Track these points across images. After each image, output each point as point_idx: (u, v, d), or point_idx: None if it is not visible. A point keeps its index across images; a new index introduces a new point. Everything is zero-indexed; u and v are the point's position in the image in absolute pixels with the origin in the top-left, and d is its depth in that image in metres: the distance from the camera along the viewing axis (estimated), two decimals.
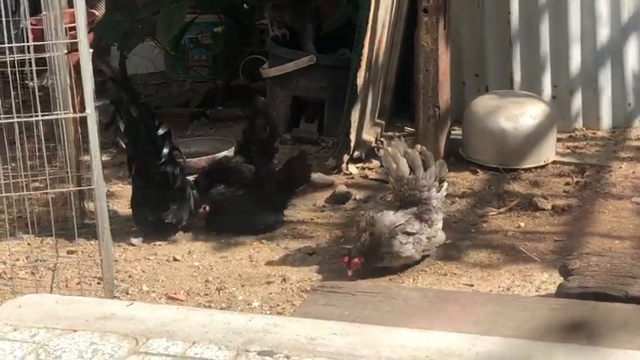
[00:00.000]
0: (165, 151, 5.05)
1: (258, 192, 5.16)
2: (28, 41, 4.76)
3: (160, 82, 8.25)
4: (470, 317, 3.82)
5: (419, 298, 4.02)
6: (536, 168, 5.86)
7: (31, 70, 4.99)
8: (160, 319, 3.22)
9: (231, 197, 5.16)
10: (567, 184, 5.68)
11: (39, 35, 5.00)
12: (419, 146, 4.84)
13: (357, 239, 4.59)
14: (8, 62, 4.58)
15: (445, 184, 4.77)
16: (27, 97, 5.00)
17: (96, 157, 4.15)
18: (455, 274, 4.62)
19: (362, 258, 4.50)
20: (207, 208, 5.14)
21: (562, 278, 4.28)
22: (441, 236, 4.71)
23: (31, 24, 5.17)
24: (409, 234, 4.57)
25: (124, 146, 5.05)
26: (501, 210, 5.33)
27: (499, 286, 4.46)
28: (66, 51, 4.74)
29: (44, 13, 4.96)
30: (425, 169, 4.66)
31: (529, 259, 4.72)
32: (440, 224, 4.70)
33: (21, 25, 5.67)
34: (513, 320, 3.77)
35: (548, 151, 5.93)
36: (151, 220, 5.08)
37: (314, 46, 6.76)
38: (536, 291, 4.39)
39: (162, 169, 5.05)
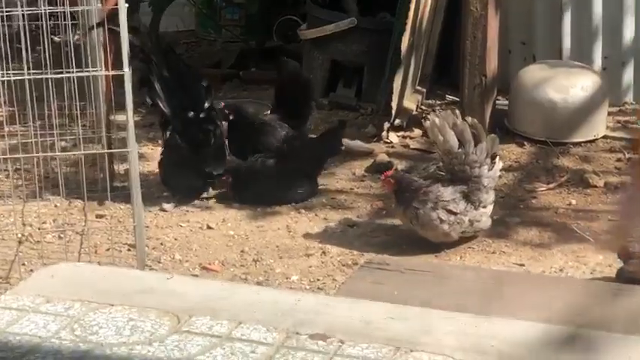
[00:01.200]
0: (207, 104, 4.80)
1: (290, 161, 4.92)
2: None
3: (190, 40, 7.97)
4: (527, 301, 3.59)
5: (472, 278, 3.80)
6: (585, 142, 5.60)
7: (62, 25, 4.77)
8: (203, 295, 3.00)
9: (262, 167, 4.93)
10: (619, 160, 5.41)
11: None
12: (469, 118, 4.55)
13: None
14: (43, 14, 4.33)
15: (500, 162, 4.47)
16: (54, 52, 4.75)
17: (130, 118, 3.94)
18: (504, 252, 4.40)
19: (395, 186, 4.42)
20: (230, 179, 4.94)
21: (619, 260, 4.07)
22: (485, 222, 4.41)
23: None
24: (451, 212, 4.33)
25: (161, 106, 4.77)
26: (551, 186, 5.08)
27: (551, 267, 4.24)
28: (100, 5, 4.50)
29: None
30: (475, 144, 4.40)
31: (582, 239, 4.49)
32: (489, 208, 4.40)
33: None
34: (574, 306, 3.54)
35: (599, 125, 5.66)
36: (190, 183, 4.86)
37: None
38: (591, 273, 4.17)
39: (204, 126, 4.80)
